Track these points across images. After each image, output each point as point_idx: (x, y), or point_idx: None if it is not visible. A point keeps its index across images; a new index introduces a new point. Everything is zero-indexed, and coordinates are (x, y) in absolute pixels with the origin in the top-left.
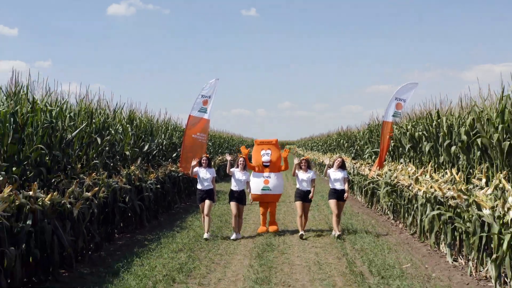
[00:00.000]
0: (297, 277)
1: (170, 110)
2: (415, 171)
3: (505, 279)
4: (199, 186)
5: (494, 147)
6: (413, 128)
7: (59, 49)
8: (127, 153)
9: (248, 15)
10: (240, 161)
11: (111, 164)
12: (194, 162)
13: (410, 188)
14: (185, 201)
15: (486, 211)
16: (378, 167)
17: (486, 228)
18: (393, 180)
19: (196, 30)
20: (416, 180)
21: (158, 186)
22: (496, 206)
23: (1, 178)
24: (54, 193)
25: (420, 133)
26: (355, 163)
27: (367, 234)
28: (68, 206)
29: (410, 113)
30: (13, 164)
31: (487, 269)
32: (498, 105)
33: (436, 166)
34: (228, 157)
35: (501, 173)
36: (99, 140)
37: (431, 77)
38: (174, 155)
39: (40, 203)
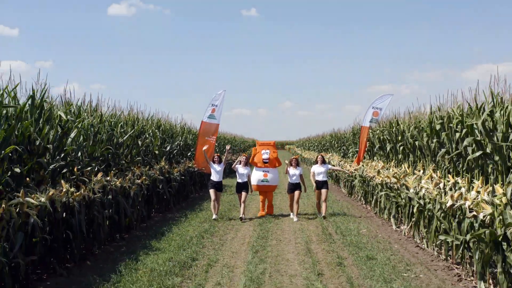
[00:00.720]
0: (285, 236)
1: (169, 108)
2: (382, 166)
3: (422, 234)
4: (213, 178)
5: (426, 148)
6: (381, 133)
7: (60, 49)
8: (156, 152)
9: (249, 15)
10: (242, 159)
11: (146, 160)
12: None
13: (374, 178)
14: (199, 192)
15: (411, 190)
16: (356, 164)
17: (412, 202)
18: (364, 173)
19: (197, 30)
20: (378, 172)
21: (183, 177)
22: (416, 187)
23: (90, 168)
24: (120, 179)
25: (385, 136)
26: (340, 161)
27: (342, 214)
28: (128, 188)
29: (380, 120)
30: (92, 160)
31: (410, 228)
32: (428, 116)
33: (396, 162)
34: (227, 147)
35: (430, 166)
36: (139, 142)
37: (431, 77)
38: (189, 153)
39: (113, 185)
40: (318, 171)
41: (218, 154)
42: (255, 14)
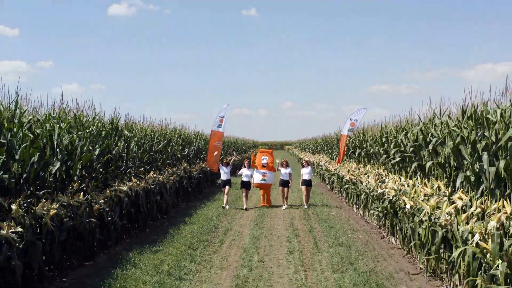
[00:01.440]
0: (277, 216)
1: (169, 107)
2: (355, 167)
3: (369, 214)
4: (222, 177)
5: (378, 154)
6: (354, 140)
7: (60, 49)
8: (179, 155)
9: (249, 15)
10: (245, 163)
11: (173, 162)
12: (218, 161)
13: (345, 176)
14: (210, 187)
15: (363, 183)
16: (337, 164)
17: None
18: (339, 172)
19: (197, 30)
20: (348, 171)
21: (200, 175)
22: (366, 181)
23: (142, 169)
24: (161, 176)
25: (356, 143)
26: (326, 162)
27: (322, 203)
28: (165, 182)
29: (355, 130)
30: (141, 163)
31: (362, 209)
32: (380, 131)
33: (364, 163)
34: (234, 153)
35: (381, 167)
36: (168, 149)
37: (432, 77)
38: (201, 156)
39: (158, 180)
40: (304, 172)
41: (227, 160)
42: (255, 14)
